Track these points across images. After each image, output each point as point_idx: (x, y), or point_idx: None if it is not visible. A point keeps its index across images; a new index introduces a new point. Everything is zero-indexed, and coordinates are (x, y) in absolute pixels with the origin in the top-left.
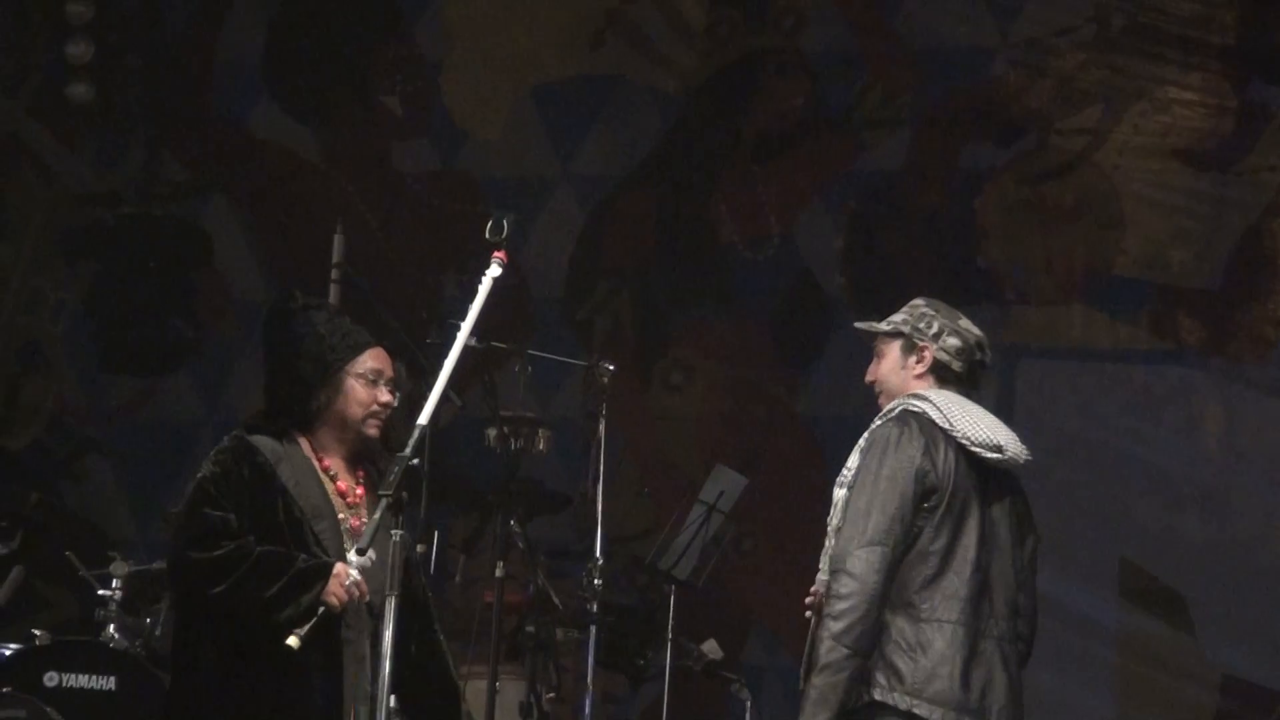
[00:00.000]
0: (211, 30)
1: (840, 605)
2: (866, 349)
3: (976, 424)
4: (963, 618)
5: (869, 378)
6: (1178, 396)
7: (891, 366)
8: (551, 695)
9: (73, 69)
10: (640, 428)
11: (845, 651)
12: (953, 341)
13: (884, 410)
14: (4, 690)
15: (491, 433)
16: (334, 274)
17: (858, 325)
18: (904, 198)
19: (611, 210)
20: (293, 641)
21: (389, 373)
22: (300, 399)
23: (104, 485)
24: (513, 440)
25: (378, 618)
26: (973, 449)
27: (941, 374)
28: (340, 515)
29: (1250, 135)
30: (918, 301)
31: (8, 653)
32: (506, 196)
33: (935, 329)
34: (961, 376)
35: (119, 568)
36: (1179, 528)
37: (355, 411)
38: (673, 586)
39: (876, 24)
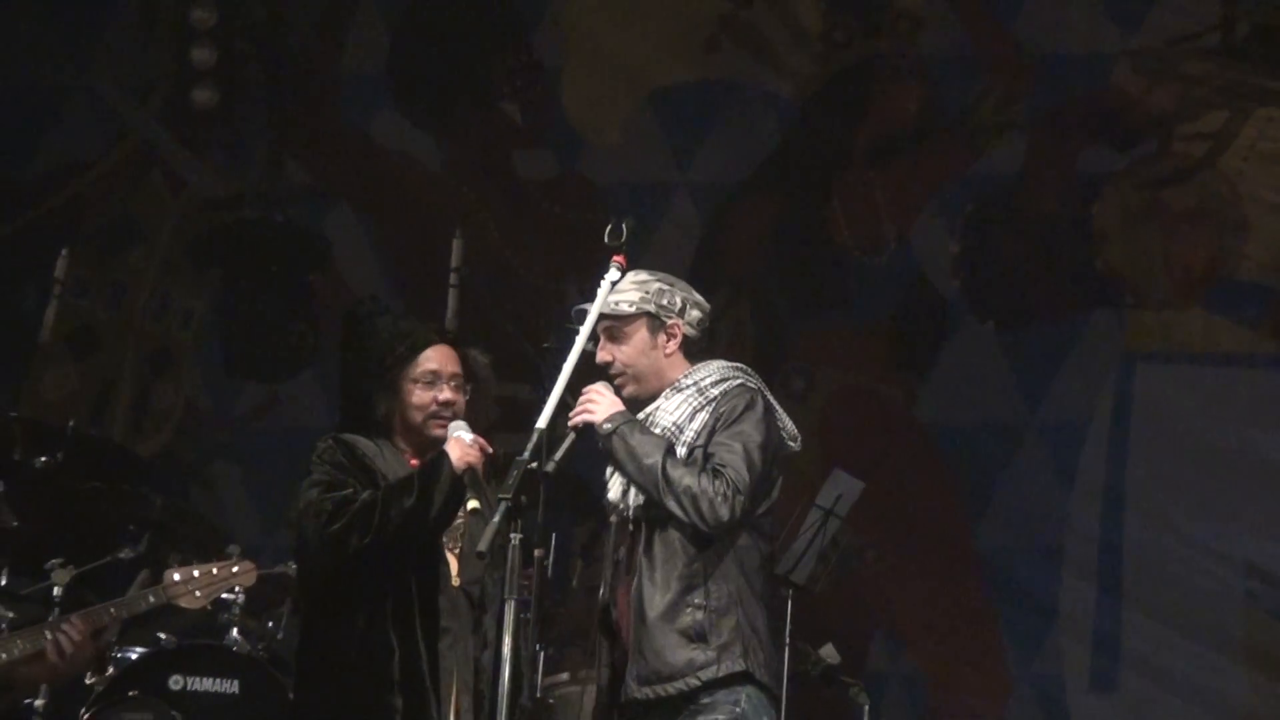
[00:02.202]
0: (335, 38)
1: (721, 494)
2: (983, 352)
3: (783, 413)
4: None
5: (604, 358)
6: None
7: (640, 348)
8: None
9: (197, 74)
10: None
11: (670, 484)
12: (695, 314)
13: (714, 375)
14: (130, 693)
15: None
16: (453, 278)
17: (584, 308)
18: (1020, 202)
19: (729, 216)
20: (476, 503)
21: (451, 369)
22: (365, 410)
23: (232, 490)
24: None
25: (479, 607)
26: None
27: (688, 348)
28: None
29: None
30: (644, 276)
31: (134, 656)
32: (625, 202)
33: (679, 304)
34: (700, 347)
35: None
36: None
37: (415, 416)
38: (790, 591)
39: (993, 29)
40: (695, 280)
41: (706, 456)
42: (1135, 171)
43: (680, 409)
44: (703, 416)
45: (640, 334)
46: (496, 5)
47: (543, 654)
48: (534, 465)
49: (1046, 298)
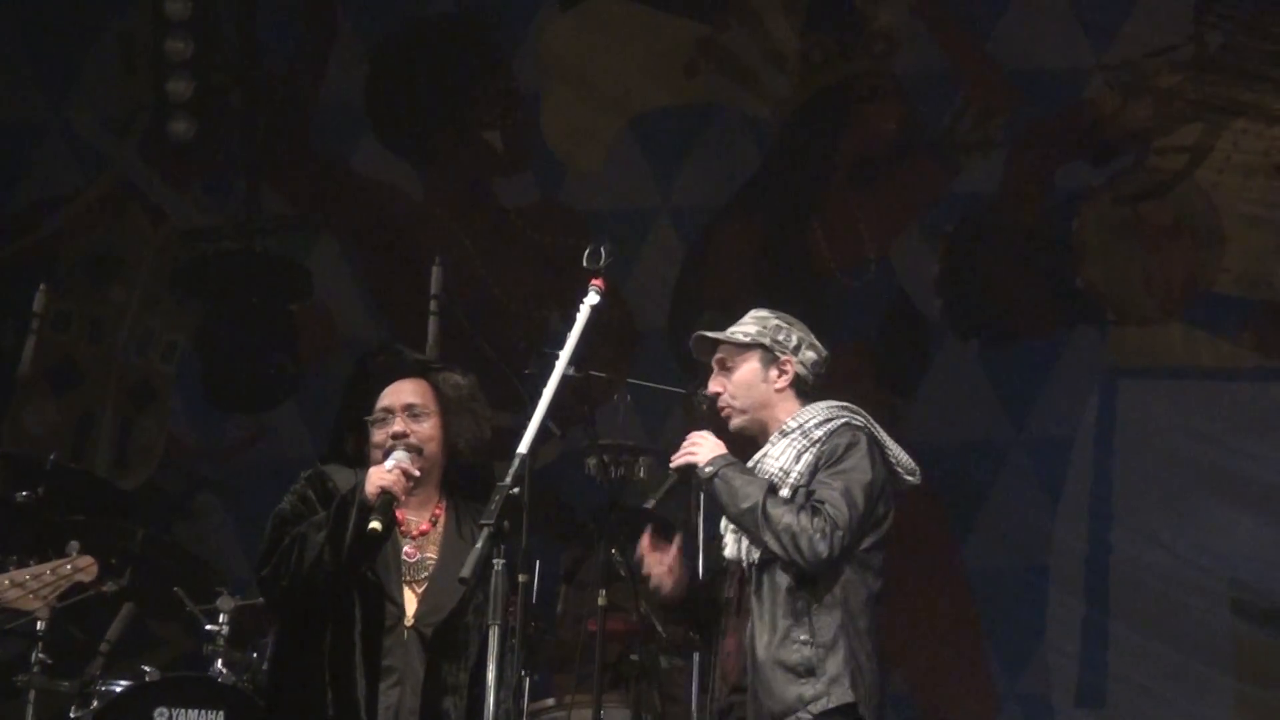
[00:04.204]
0: (313, 67)
1: (819, 538)
2: (966, 371)
3: (899, 448)
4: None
5: (714, 388)
6: None
7: (750, 379)
8: None
9: (173, 106)
10: (745, 455)
11: (780, 530)
12: (810, 355)
13: (818, 416)
14: None
15: (591, 461)
16: (433, 305)
17: (705, 334)
18: (1000, 220)
19: (712, 240)
20: (376, 525)
21: (406, 400)
22: (337, 445)
23: (217, 523)
24: (613, 468)
25: (434, 649)
26: (896, 469)
27: (800, 386)
28: (405, 545)
29: None
30: (764, 313)
31: (118, 689)
32: (608, 228)
33: (794, 342)
34: (814, 388)
35: (225, 603)
36: None
37: (375, 455)
38: None
39: (969, 47)
40: (678, 304)
41: (808, 494)
42: (1113, 186)
43: (786, 454)
44: (808, 458)
45: (752, 365)
46: (476, 33)
47: (528, 680)
48: (515, 491)
49: (1028, 315)
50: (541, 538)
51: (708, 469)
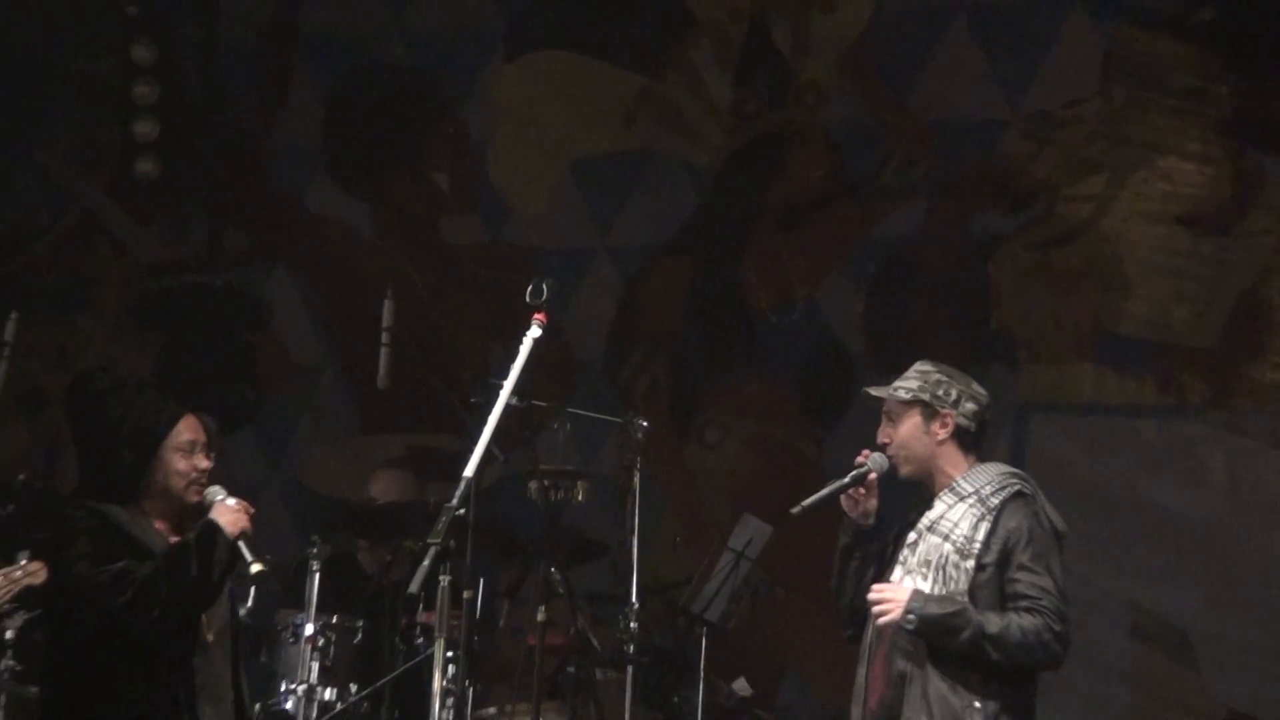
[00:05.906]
0: (271, 111)
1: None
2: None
3: (1052, 508)
4: None
5: (883, 439)
6: (1182, 449)
7: (912, 433)
8: None
9: (139, 147)
10: (677, 482)
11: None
12: (970, 406)
13: (992, 482)
14: None
15: (532, 485)
16: (384, 337)
17: (870, 391)
18: (920, 263)
19: (648, 278)
20: (258, 568)
21: (203, 438)
22: (124, 479)
23: None
24: (552, 492)
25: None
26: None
27: (962, 438)
28: None
29: (1246, 201)
30: (927, 367)
31: None
32: (550, 267)
33: (954, 396)
34: (978, 438)
35: None
36: (1185, 571)
37: (177, 483)
38: (705, 629)
39: (892, 100)
40: (615, 337)
41: (1010, 582)
42: (1025, 233)
43: (965, 520)
44: (985, 526)
45: (914, 420)
46: (426, 81)
47: (471, 690)
48: (461, 511)
49: (945, 352)
50: (485, 556)
51: (910, 618)
